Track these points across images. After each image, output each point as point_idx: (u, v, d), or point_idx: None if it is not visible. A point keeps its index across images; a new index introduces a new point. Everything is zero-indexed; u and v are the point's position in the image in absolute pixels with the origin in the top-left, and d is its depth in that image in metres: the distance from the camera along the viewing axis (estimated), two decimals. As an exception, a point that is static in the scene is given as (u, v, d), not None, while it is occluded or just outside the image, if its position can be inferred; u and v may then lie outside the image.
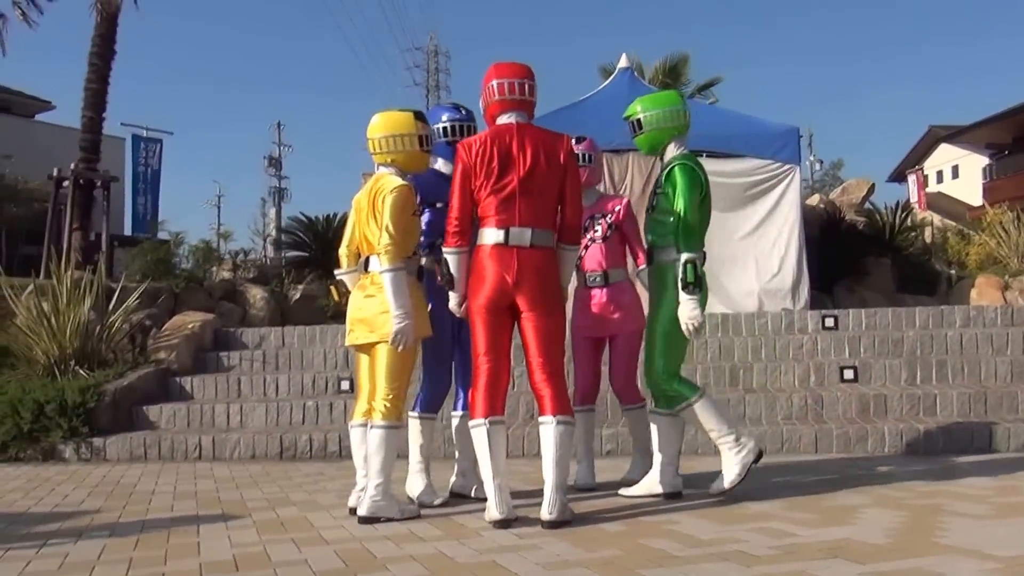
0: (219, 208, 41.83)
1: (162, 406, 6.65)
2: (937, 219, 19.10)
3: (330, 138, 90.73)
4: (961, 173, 36.04)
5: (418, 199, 4.02)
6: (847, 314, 7.43)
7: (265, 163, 40.51)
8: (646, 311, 4.18)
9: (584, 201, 3.96)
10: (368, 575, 2.93)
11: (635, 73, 10.67)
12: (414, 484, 4.10)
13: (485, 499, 3.62)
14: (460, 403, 4.18)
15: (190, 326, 7.72)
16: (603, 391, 4.67)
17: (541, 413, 3.61)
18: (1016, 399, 5.74)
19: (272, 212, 35.79)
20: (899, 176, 34.88)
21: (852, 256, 10.44)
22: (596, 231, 4.37)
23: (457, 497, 4.14)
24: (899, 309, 7.59)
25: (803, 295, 8.57)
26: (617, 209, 4.43)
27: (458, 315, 3.79)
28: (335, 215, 11.67)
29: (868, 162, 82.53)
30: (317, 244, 11.52)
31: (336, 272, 4.17)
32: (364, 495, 3.72)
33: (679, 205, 3.80)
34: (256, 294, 9.53)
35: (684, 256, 3.74)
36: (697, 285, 3.73)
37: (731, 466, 3.84)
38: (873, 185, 14.47)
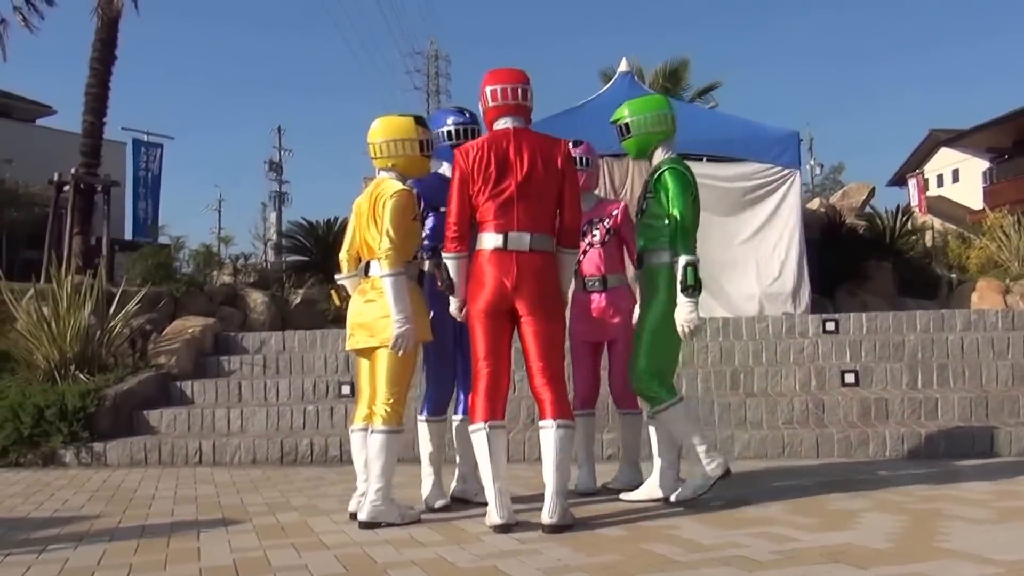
0: (220, 212, 41.76)
1: (162, 411, 6.65)
2: (938, 223, 19.10)
3: (330, 142, 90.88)
4: (961, 177, 36.06)
5: (422, 203, 4.04)
6: (848, 318, 7.43)
7: (266, 167, 40.55)
8: None
9: (583, 205, 3.96)
10: (368, 580, 2.93)
11: (635, 77, 10.68)
12: (426, 486, 4.11)
13: (486, 504, 3.62)
14: (461, 407, 4.18)
15: (190, 330, 7.73)
16: (603, 395, 4.66)
17: (541, 417, 3.61)
18: (1017, 403, 5.73)
19: (273, 216, 35.74)
20: (899, 180, 34.90)
21: (853, 260, 10.43)
22: (595, 236, 4.37)
23: (458, 502, 4.13)
24: (900, 313, 7.59)
25: (804, 299, 8.56)
26: (615, 213, 4.43)
27: (459, 319, 3.79)
28: (336, 219, 11.68)
29: (868, 166, 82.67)
30: (318, 248, 11.53)
31: (337, 276, 4.17)
32: (365, 500, 3.72)
33: (674, 209, 3.81)
34: (257, 298, 9.53)
35: (684, 259, 3.75)
36: (697, 288, 3.74)
37: (697, 477, 3.86)
38: (873, 189, 14.46)
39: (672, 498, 3.91)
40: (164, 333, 7.79)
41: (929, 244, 13.96)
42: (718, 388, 6.40)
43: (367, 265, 3.89)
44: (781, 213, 8.67)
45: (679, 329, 3.77)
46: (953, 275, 11.29)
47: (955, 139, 33.71)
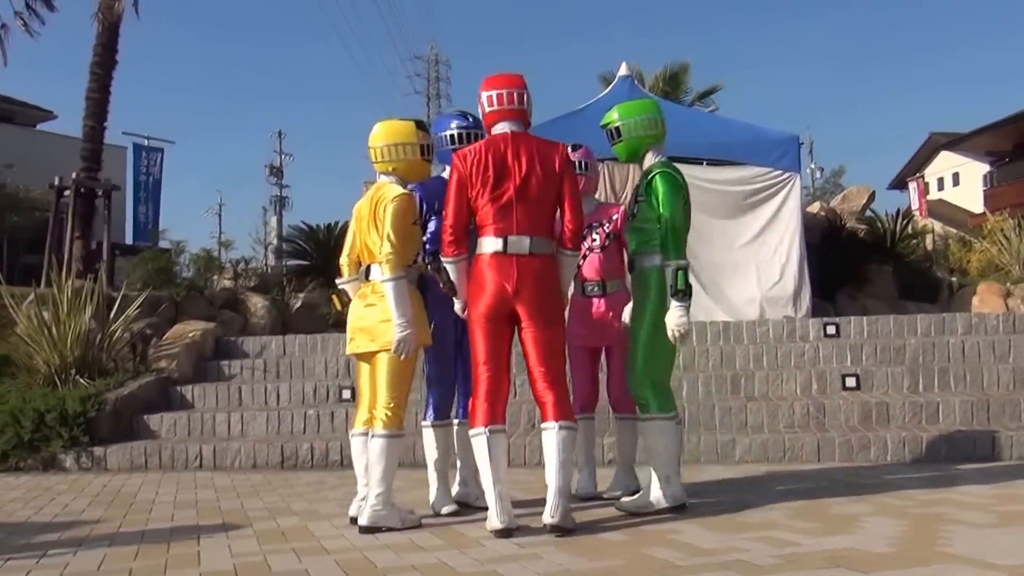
0: (220, 217, 41.79)
1: (163, 415, 6.64)
2: (938, 226, 19.13)
3: (331, 146, 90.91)
4: (962, 180, 36.09)
5: (424, 207, 4.04)
6: (848, 322, 7.43)
7: (266, 171, 40.59)
8: None
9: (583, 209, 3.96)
10: (369, 585, 2.92)
11: (635, 81, 10.70)
12: (433, 492, 4.10)
13: (486, 508, 3.62)
14: (461, 412, 4.18)
15: (191, 335, 7.72)
16: (603, 400, 4.66)
17: (544, 419, 3.61)
18: (1019, 407, 5.73)
19: (273, 220, 35.77)
20: (900, 184, 34.91)
21: (853, 264, 10.43)
22: (595, 240, 4.37)
23: (459, 505, 4.13)
24: (901, 317, 7.58)
25: (804, 303, 8.57)
26: (615, 217, 4.43)
27: (463, 317, 3.80)
28: (336, 223, 11.68)
29: (869, 170, 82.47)
30: (318, 252, 11.53)
31: (337, 281, 4.17)
32: (365, 504, 3.72)
33: (665, 213, 3.81)
34: (257, 303, 9.53)
35: (675, 263, 3.75)
36: (687, 293, 3.74)
37: (655, 495, 3.83)
38: (874, 192, 14.49)
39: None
40: (164, 337, 7.79)
41: (930, 248, 13.98)
42: (719, 392, 6.40)
43: (368, 269, 3.89)
44: (781, 217, 8.69)
45: (669, 334, 3.77)
46: (954, 279, 11.30)
47: (955, 143, 33.74)
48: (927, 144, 37.03)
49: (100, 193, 12.18)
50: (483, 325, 3.64)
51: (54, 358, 6.91)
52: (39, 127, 25.04)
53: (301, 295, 10.03)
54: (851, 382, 6.33)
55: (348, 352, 3.97)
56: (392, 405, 3.71)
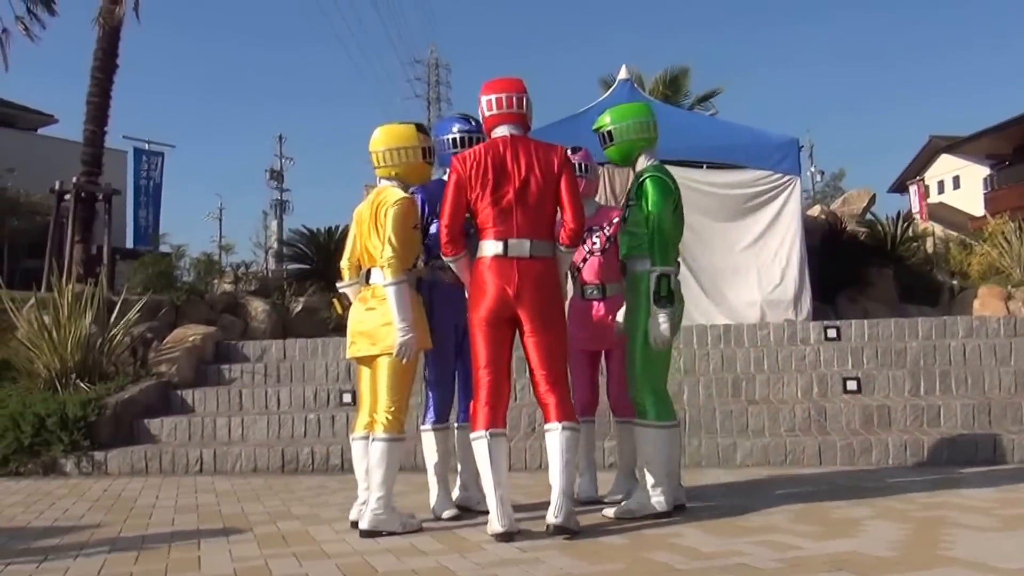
0: (221, 221, 41.86)
1: (163, 419, 6.64)
2: (939, 229, 19.13)
3: (331, 150, 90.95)
4: (962, 183, 36.07)
5: (426, 210, 4.04)
6: (849, 325, 7.42)
7: (267, 175, 40.64)
8: None
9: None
10: (369, 589, 2.92)
11: (635, 85, 10.71)
12: (433, 495, 4.09)
13: (487, 512, 3.61)
14: (461, 415, 4.18)
15: (191, 339, 7.72)
16: (604, 403, 4.65)
17: (546, 421, 3.61)
18: (1020, 410, 5.72)
19: (274, 224, 35.84)
20: (900, 187, 34.91)
21: (854, 267, 10.44)
22: (595, 243, 4.36)
23: (459, 509, 4.12)
24: (902, 320, 7.58)
25: (805, 306, 8.56)
26: (616, 220, 4.42)
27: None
28: (337, 227, 11.68)
29: (869, 173, 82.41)
30: (319, 256, 11.52)
31: (338, 285, 4.17)
32: (366, 508, 3.71)
33: (652, 217, 3.80)
34: (257, 307, 9.53)
35: (659, 269, 3.74)
36: (669, 299, 3.73)
37: (641, 501, 3.83)
38: (874, 196, 14.49)
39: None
40: (165, 341, 7.79)
41: (930, 251, 13.97)
42: (720, 395, 6.39)
43: (368, 273, 3.89)
44: (782, 220, 8.69)
45: (651, 340, 3.76)
46: (954, 282, 11.29)
47: (955, 145, 33.72)
48: (927, 147, 37.04)
49: (101, 197, 12.18)
50: (484, 329, 3.64)
51: (55, 362, 6.91)
52: (40, 131, 25.05)
53: (301, 299, 10.03)
54: (852, 385, 6.33)
55: (349, 356, 3.97)
56: (393, 409, 3.71)
